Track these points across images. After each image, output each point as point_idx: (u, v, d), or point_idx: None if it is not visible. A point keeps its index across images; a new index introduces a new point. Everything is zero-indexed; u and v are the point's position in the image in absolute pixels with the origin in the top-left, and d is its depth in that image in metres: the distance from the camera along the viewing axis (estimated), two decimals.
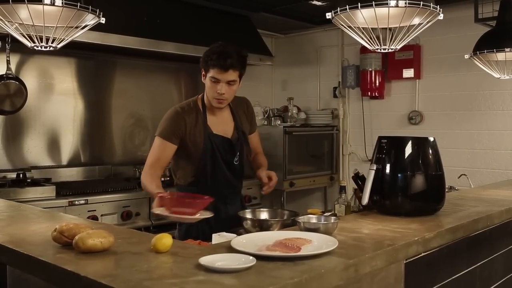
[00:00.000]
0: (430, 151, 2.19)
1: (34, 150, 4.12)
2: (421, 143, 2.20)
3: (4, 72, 3.77)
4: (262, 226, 2.27)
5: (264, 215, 2.45)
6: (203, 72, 2.56)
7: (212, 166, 2.63)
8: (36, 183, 3.69)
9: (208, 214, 2.18)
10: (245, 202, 4.72)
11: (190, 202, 2.15)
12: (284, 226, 2.31)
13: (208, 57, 2.51)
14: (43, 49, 1.97)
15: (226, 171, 2.67)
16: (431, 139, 2.22)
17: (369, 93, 5.18)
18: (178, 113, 2.60)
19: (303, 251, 1.48)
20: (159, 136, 2.59)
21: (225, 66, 2.47)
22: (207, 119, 2.63)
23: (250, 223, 2.30)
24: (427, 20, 2.00)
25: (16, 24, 1.91)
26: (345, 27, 2.07)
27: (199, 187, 2.58)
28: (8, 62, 3.75)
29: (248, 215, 2.42)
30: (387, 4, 1.88)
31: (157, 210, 2.19)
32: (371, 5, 1.88)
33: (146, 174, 2.59)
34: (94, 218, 3.53)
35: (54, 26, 1.88)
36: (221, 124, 2.67)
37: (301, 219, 1.85)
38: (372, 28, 2.02)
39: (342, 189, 2.35)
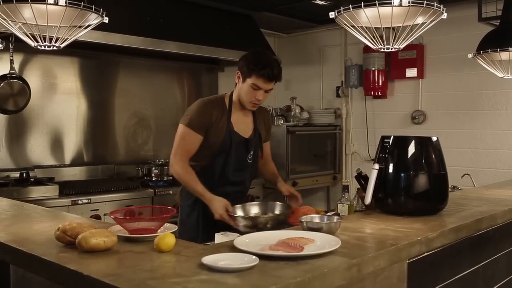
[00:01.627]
0: (433, 151, 2.19)
1: (38, 150, 4.13)
2: (424, 143, 2.19)
3: (7, 72, 3.77)
4: (254, 224, 2.29)
5: (255, 209, 2.52)
6: (241, 76, 2.63)
7: (224, 161, 2.67)
8: (39, 182, 3.70)
9: (173, 228, 1.78)
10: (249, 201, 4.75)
11: (150, 219, 1.78)
12: (278, 222, 2.31)
13: (254, 66, 2.57)
14: (46, 48, 1.97)
15: (237, 168, 2.72)
16: (434, 138, 2.22)
17: (372, 92, 5.18)
18: (207, 104, 2.67)
19: (306, 251, 1.48)
20: (187, 127, 2.63)
21: (271, 78, 2.58)
22: (231, 117, 2.71)
23: (242, 221, 2.31)
24: (430, 20, 2.00)
25: (19, 23, 1.92)
26: (348, 27, 2.07)
27: (205, 180, 2.61)
28: (11, 61, 3.76)
29: (239, 211, 2.47)
30: (390, 3, 1.87)
31: (115, 228, 1.76)
32: (375, 4, 1.88)
33: (183, 169, 2.61)
34: (97, 217, 3.53)
35: (57, 26, 1.88)
36: (243, 124, 2.75)
37: (304, 218, 1.84)
38: (375, 28, 2.02)
39: (345, 188, 2.34)
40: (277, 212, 2.48)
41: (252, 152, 2.77)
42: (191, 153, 2.65)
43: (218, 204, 2.47)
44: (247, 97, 2.64)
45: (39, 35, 1.93)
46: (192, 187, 2.61)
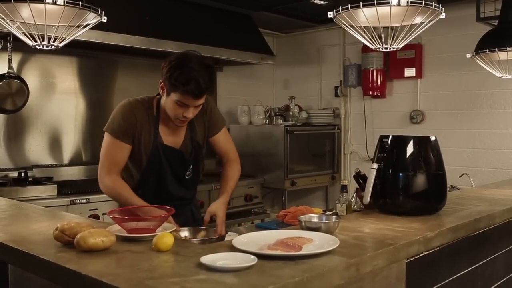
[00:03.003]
0: (432, 151, 2.19)
1: (36, 149, 4.13)
2: (422, 142, 2.20)
3: (6, 71, 3.77)
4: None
5: (184, 233, 2.15)
6: (164, 88, 2.24)
7: (158, 178, 2.38)
8: (37, 182, 3.69)
9: (171, 228, 1.79)
10: (247, 201, 4.74)
11: (148, 219, 1.77)
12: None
13: (176, 81, 2.15)
14: (44, 48, 1.97)
15: (175, 185, 2.43)
16: (433, 138, 2.22)
17: (370, 92, 5.18)
18: (132, 106, 2.33)
19: (305, 250, 1.48)
20: (111, 135, 2.30)
21: (198, 95, 2.18)
22: (159, 126, 2.36)
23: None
24: (429, 19, 2.00)
25: (18, 23, 1.91)
26: (347, 26, 2.07)
27: (143, 194, 2.32)
28: (10, 61, 3.75)
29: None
30: (389, 3, 1.87)
31: (113, 227, 1.75)
32: (373, 4, 1.88)
33: (113, 182, 2.28)
34: (96, 217, 3.53)
35: (56, 25, 1.88)
36: (174, 133, 2.39)
37: (303, 218, 1.85)
38: (374, 27, 2.02)
39: (344, 188, 2.35)
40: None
41: (191, 167, 2.44)
42: (120, 166, 2.31)
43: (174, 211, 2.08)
44: (173, 114, 2.24)
45: (37, 34, 1.92)
46: (126, 200, 2.23)
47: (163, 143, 2.36)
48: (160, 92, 2.30)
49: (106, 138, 2.33)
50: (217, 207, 2.39)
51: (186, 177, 2.46)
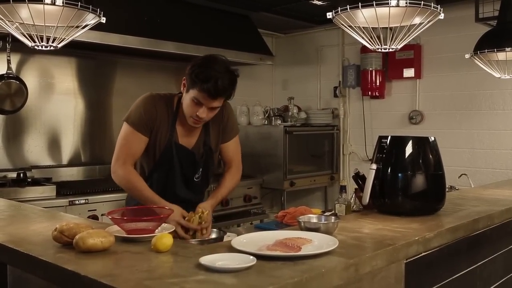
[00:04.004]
0: (431, 151, 2.19)
1: (35, 150, 4.12)
2: (421, 143, 2.20)
3: (4, 72, 3.77)
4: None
5: None
6: (185, 83, 2.28)
7: (167, 176, 2.38)
8: (36, 182, 3.69)
9: (170, 228, 1.79)
10: (246, 201, 4.74)
11: (147, 219, 1.75)
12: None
13: (197, 77, 2.18)
14: (43, 48, 1.97)
15: (183, 186, 2.42)
16: (432, 138, 2.22)
17: (369, 92, 5.18)
18: (154, 100, 2.36)
19: (304, 251, 1.48)
20: (130, 126, 2.31)
21: (214, 94, 2.18)
22: (176, 124, 2.37)
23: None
24: (427, 20, 2.00)
25: (16, 23, 1.91)
26: (345, 27, 2.07)
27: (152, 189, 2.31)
28: (8, 61, 3.75)
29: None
30: (387, 3, 1.88)
31: (112, 228, 1.75)
32: (372, 5, 1.88)
33: (127, 173, 2.29)
34: (95, 217, 3.53)
35: (54, 26, 1.88)
36: (189, 133, 2.40)
37: (302, 218, 1.85)
38: (372, 28, 2.02)
39: (343, 188, 2.34)
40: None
41: (200, 170, 2.43)
42: (135, 157, 2.32)
43: (176, 212, 2.13)
44: (188, 111, 2.26)
45: (36, 35, 1.92)
46: (140, 193, 2.26)
47: (177, 141, 2.37)
48: (182, 89, 2.32)
49: (125, 128, 2.33)
50: (204, 206, 2.31)
51: (195, 179, 2.45)
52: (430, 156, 2.18)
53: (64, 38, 1.99)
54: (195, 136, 2.42)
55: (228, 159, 2.55)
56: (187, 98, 2.25)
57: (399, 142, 2.20)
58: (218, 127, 2.47)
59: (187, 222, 2.18)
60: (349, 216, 2.19)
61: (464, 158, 4.68)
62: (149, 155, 2.38)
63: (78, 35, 2.02)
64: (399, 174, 2.14)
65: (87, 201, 3.60)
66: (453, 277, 2.03)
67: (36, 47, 1.97)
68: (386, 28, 2.01)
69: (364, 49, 5.06)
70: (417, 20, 2.00)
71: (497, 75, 3.21)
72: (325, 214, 2.14)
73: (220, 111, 2.38)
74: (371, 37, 2.06)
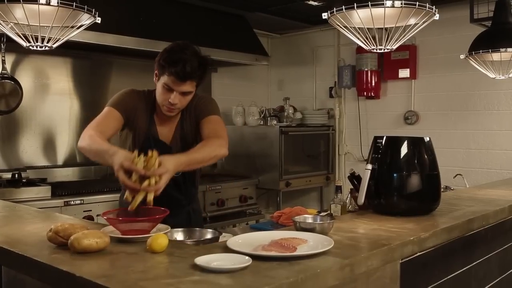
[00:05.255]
0: (426, 151, 2.20)
1: (30, 150, 4.11)
2: (416, 143, 2.20)
3: None
4: None
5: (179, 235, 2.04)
6: (156, 73, 2.28)
7: None
8: (31, 183, 3.68)
9: (166, 229, 1.76)
10: (242, 202, 4.74)
11: (143, 220, 1.73)
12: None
13: (164, 62, 2.20)
14: (38, 48, 1.97)
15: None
16: (427, 139, 2.23)
17: (365, 93, 5.19)
18: (134, 93, 2.39)
19: (299, 251, 1.48)
20: (109, 106, 2.32)
21: (182, 77, 2.19)
22: (154, 117, 2.37)
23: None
24: (423, 21, 2.01)
25: (11, 23, 1.91)
26: (341, 27, 2.07)
27: None
28: (3, 61, 3.75)
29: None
30: (383, 4, 1.88)
31: (107, 229, 1.73)
32: (367, 6, 1.89)
33: (91, 136, 2.18)
34: (90, 218, 3.52)
35: (49, 26, 1.88)
36: (167, 127, 2.40)
37: (297, 219, 1.85)
38: (368, 28, 2.02)
39: (338, 189, 2.35)
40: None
41: None
42: (105, 131, 2.23)
43: (121, 155, 1.95)
44: (160, 99, 2.28)
45: (31, 35, 1.92)
46: (97, 148, 2.11)
47: (155, 135, 2.37)
48: (154, 79, 2.31)
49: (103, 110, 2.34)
50: (167, 159, 1.98)
51: (175, 175, 2.30)
52: (425, 156, 2.18)
53: (59, 38, 1.99)
54: (171, 129, 2.42)
55: (206, 132, 2.33)
56: (159, 86, 2.27)
57: (395, 142, 2.20)
58: (191, 116, 2.42)
59: (130, 164, 1.88)
60: (345, 216, 2.19)
61: (459, 158, 4.69)
62: (129, 150, 2.27)
63: (73, 35, 2.02)
64: (395, 174, 2.14)
65: (82, 201, 3.59)
66: (448, 277, 2.04)
67: (31, 47, 1.96)
68: (382, 28, 2.01)
69: (359, 49, 5.07)
70: (412, 20, 2.01)
71: (492, 75, 3.22)
72: (321, 214, 2.14)
73: (193, 98, 2.37)
74: (367, 38, 2.07)
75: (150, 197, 1.86)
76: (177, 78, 2.19)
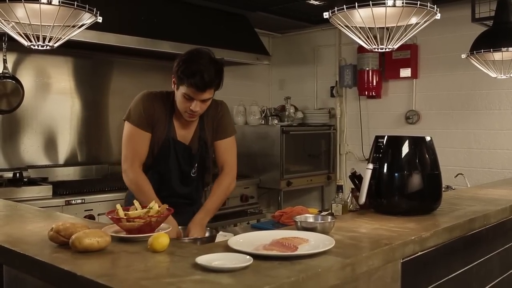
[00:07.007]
0: (427, 151, 2.19)
1: (31, 150, 4.11)
2: (418, 143, 2.20)
3: (0, 71, 3.76)
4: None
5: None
6: (174, 81, 2.32)
7: (164, 171, 2.42)
8: (32, 182, 3.68)
9: (167, 228, 1.78)
10: (243, 201, 4.74)
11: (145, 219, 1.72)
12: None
13: (182, 74, 2.23)
14: (40, 48, 1.97)
15: (179, 181, 2.46)
16: (428, 138, 2.22)
17: (366, 92, 5.19)
18: (151, 97, 2.40)
19: (300, 251, 1.48)
20: (132, 124, 2.35)
21: (202, 88, 2.23)
22: (173, 119, 2.42)
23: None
24: (424, 20, 2.00)
25: (12, 23, 1.91)
26: (342, 27, 2.07)
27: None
28: (4, 61, 3.75)
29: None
30: (384, 3, 1.88)
31: (108, 228, 1.77)
32: (369, 5, 1.88)
33: (138, 177, 2.31)
34: (91, 217, 3.52)
35: (51, 25, 1.88)
36: (185, 128, 2.45)
37: (299, 218, 1.85)
38: (369, 28, 2.02)
39: (339, 188, 2.35)
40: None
41: (196, 165, 2.47)
42: (142, 155, 2.35)
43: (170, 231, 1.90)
44: (181, 107, 2.32)
45: (32, 34, 1.92)
46: (146, 198, 2.16)
47: (175, 137, 2.41)
48: (172, 87, 2.36)
49: (127, 127, 2.37)
50: (193, 226, 2.29)
51: (192, 175, 2.49)
52: (427, 156, 2.18)
53: (61, 38, 1.99)
54: (191, 131, 2.46)
55: (220, 160, 2.52)
56: (178, 94, 2.31)
57: (396, 142, 2.20)
58: (212, 123, 2.50)
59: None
60: (346, 215, 2.19)
61: (460, 158, 4.69)
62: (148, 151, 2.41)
63: (75, 34, 2.02)
64: (396, 174, 2.14)
65: (83, 201, 3.59)
66: (449, 276, 2.03)
67: (32, 46, 1.96)
68: (383, 28, 2.01)
69: (360, 49, 5.07)
70: (413, 20, 2.01)
71: (493, 75, 3.22)
72: (322, 213, 2.14)
73: (216, 107, 2.47)
74: (368, 37, 2.07)
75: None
76: (197, 89, 2.23)
